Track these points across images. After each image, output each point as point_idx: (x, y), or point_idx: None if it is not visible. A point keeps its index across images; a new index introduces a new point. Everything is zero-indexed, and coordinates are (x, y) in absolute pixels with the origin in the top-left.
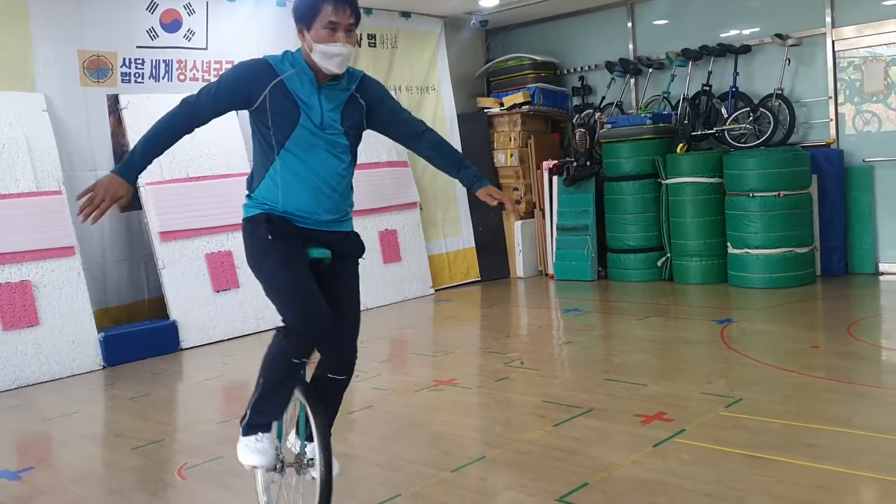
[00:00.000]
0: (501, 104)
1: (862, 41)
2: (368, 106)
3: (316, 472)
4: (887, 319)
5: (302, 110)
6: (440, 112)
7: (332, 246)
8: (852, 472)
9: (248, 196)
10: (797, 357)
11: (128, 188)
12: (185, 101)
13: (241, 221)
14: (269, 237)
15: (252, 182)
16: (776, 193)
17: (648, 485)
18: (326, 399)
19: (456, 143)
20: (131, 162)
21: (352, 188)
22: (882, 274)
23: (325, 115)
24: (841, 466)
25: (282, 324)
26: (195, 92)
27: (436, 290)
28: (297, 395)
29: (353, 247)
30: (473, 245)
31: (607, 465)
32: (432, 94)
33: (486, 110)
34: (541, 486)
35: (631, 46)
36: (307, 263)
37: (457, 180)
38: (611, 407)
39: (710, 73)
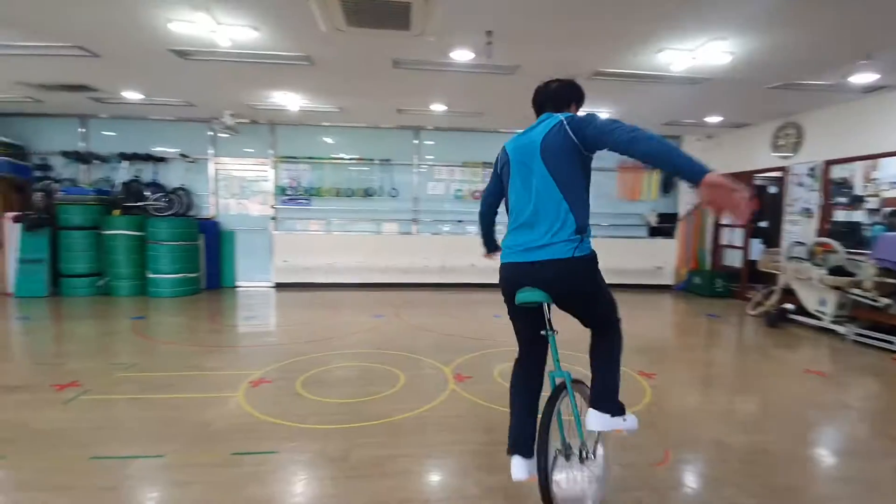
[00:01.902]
0: None
1: (231, 165)
2: None
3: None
4: (234, 311)
5: None
6: None
7: None
8: (194, 395)
9: (579, 232)
10: (178, 335)
11: None
12: None
13: (578, 256)
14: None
15: (584, 220)
16: (178, 242)
17: (56, 432)
18: None
19: None
20: None
21: None
22: (238, 287)
23: None
24: (187, 394)
25: (617, 321)
26: None
27: None
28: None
29: None
30: None
31: None
32: None
33: None
34: None
35: (82, 144)
36: None
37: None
38: None
39: (139, 169)
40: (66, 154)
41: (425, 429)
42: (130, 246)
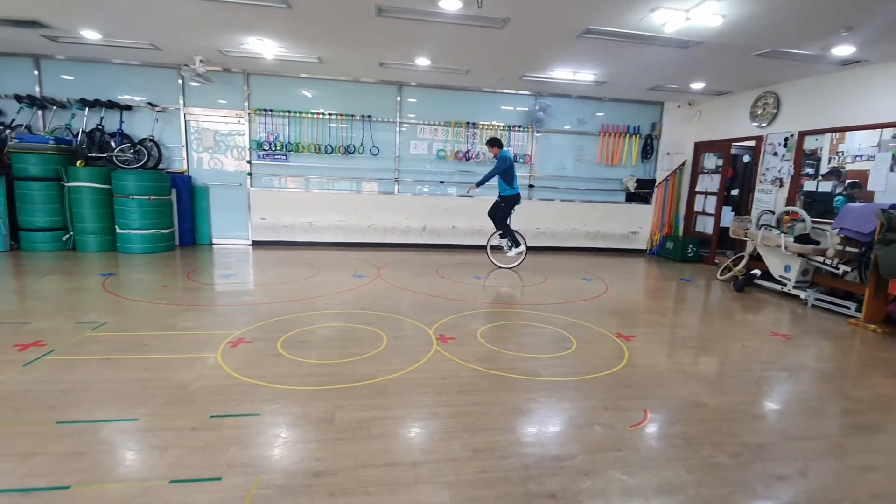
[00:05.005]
0: None
1: (203, 116)
2: None
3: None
4: (210, 269)
5: None
6: None
7: None
8: (169, 356)
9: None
10: (151, 293)
11: None
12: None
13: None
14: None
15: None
16: (148, 197)
17: (18, 394)
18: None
19: None
20: None
21: (503, 182)
22: (214, 244)
23: None
24: (162, 354)
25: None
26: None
27: None
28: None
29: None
30: None
31: None
32: None
33: None
34: None
35: (38, 88)
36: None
37: None
38: None
39: (102, 117)
40: (18, 98)
41: (410, 390)
42: (96, 200)
